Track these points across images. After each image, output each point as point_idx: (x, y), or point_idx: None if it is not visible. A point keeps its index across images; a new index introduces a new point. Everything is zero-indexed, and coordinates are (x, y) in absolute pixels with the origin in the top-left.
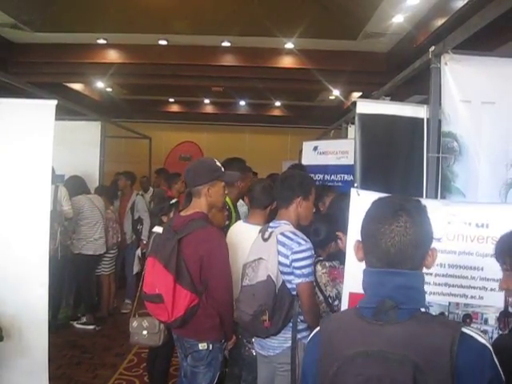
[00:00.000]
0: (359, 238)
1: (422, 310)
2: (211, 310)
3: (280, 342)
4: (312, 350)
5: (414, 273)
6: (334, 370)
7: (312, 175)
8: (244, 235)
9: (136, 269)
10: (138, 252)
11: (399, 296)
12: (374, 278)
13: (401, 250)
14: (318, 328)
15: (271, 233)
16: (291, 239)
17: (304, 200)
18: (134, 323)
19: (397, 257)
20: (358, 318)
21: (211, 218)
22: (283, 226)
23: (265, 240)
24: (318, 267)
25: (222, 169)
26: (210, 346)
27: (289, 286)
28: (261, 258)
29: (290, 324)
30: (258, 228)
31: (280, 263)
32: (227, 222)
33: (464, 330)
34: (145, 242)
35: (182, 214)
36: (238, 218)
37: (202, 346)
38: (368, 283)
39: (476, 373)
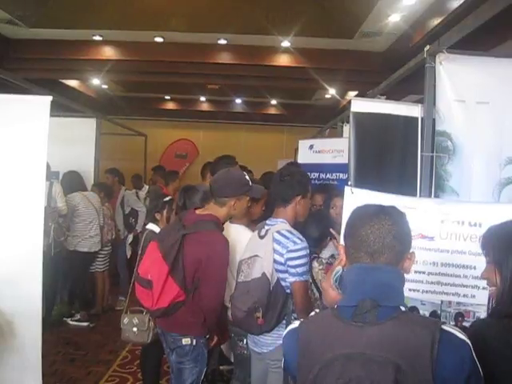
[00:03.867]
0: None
1: (402, 308)
2: (196, 307)
3: (273, 339)
4: (292, 348)
5: (393, 269)
6: (314, 373)
7: (308, 174)
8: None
9: (128, 253)
10: (129, 238)
11: (379, 294)
12: (353, 276)
13: (380, 237)
14: (296, 325)
15: (267, 230)
16: (287, 238)
17: (303, 198)
18: (125, 320)
19: (375, 244)
20: (336, 319)
21: None
22: (280, 225)
23: (261, 237)
24: (315, 264)
25: (250, 183)
26: (194, 341)
27: (283, 283)
28: (256, 256)
29: (284, 321)
30: (239, 226)
31: (275, 261)
32: None
33: (443, 327)
34: (139, 230)
35: (198, 212)
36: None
37: (186, 340)
38: (348, 282)
39: (457, 369)
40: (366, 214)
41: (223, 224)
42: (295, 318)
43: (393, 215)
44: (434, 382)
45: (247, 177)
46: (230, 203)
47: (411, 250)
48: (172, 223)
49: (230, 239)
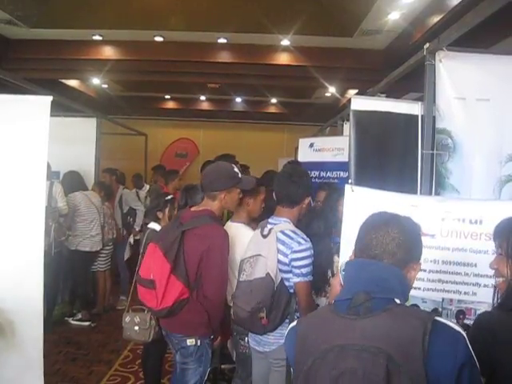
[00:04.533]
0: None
1: (397, 301)
2: (200, 306)
3: (276, 338)
4: (292, 345)
5: (391, 266)
6: (308, 365)
7: (308, 172)
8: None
9: (127, 255)
10: (131, 239)
11: (373, 287)
12: (351, 272)
13: (382, 243)
14: (294, 324)
15: (270, 229)
16: (291, 238)
17: (308, 198)
18: (127, 318)
19: (377, 249)
20: (331, 313)
21: None
22: (283, 224)
23: (264, 236)
24: (336, 258)
25: (240, 175)
26: (199, 342)
27: (286, 283)
28: (259, 255)
29: (287, 320)
30: (240, 225)
31: (279, 261)
32: None
33: (437, 318)
34: (137, 229)
35: (193, 209)
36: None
37: (190, 341)
38: (346, 277)
39: (449, 358)
40: (377, 221)
41: (224, 224)
42: (298, 318)
43: (402, 224)
44: (425, 372)
45: (236, 169)
46: (221, 196)
47: (420, 261)
48: (169, 223)
49: (231, 238)
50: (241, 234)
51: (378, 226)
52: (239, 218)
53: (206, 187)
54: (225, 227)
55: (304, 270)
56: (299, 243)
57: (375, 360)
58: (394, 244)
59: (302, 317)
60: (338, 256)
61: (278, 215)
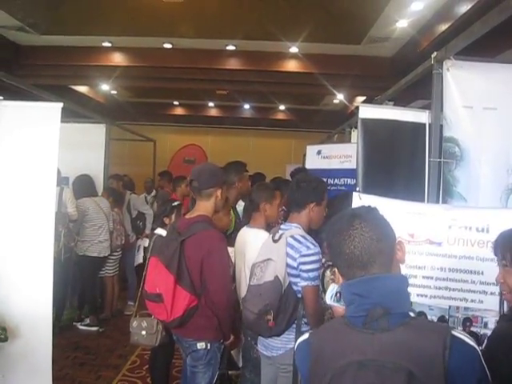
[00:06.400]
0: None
1: (412, 314)
2: (209, 310)
3: (283, 343)
4: (305, 358)
5: (396, 276)
6: (326, 381)
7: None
8: (248, 240)
9: (140, 259)
10: (145, 243)
11: (389, 302)
12: (356, 289)
13: (364, 248)
14: (306, 337)
15: (281, 235)
16: (300, 242)
17: (316, 205)
18: (134, 323)
19: (363, 256)
20: (347, 327)
21: (217, 221)
22: (294, 229)
23: (275, 241)
24: (327, 273)
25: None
26: (208, 346)
27: (294, 288)
28: (270, 259)
29: (294, 325)
30: (259, 231)
31: (288, 265)
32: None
33: (454, 332)
34: (148, 232)
35: (187, 216)
36: (238, 218)
37: (201, 345)
38: (352, 295)
39: (467, 374)
40: (342, 228)
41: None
42: (305, 323)
43: (366, 218)
44: None
45: None
46: (217, 193)
47: (397, 240)
48: (167, 234)
49: (250, 243)
50: (261, 239)
51: (348, 232)
52: (256, 223)
53: (204, 185)
54: (243, 233)
55: (311, 274)
56: (308, 247)
57: (396, 376)
58: (375, 242)
59: (313, 330)
60: (330, 271)
61: (290, 221)
